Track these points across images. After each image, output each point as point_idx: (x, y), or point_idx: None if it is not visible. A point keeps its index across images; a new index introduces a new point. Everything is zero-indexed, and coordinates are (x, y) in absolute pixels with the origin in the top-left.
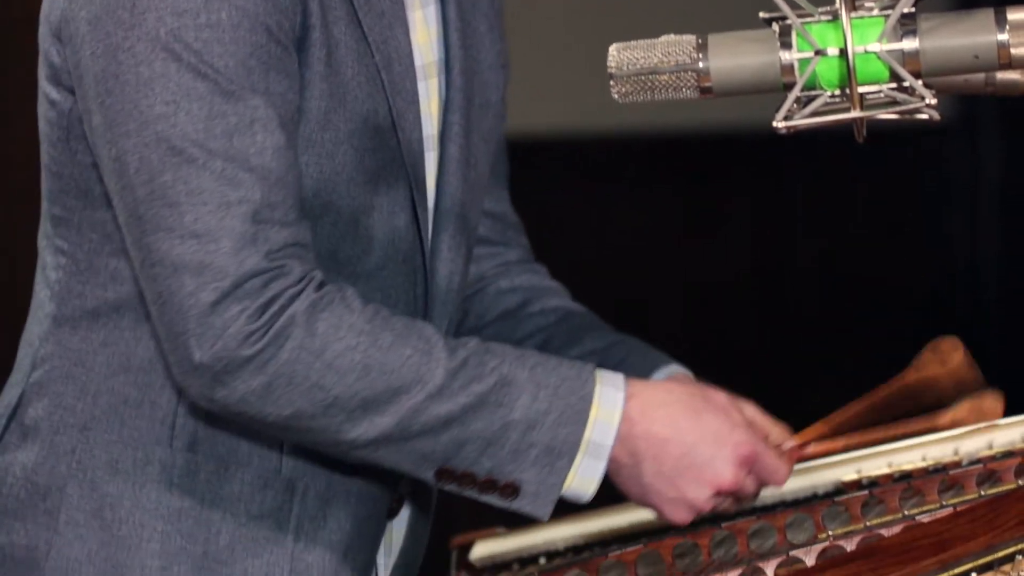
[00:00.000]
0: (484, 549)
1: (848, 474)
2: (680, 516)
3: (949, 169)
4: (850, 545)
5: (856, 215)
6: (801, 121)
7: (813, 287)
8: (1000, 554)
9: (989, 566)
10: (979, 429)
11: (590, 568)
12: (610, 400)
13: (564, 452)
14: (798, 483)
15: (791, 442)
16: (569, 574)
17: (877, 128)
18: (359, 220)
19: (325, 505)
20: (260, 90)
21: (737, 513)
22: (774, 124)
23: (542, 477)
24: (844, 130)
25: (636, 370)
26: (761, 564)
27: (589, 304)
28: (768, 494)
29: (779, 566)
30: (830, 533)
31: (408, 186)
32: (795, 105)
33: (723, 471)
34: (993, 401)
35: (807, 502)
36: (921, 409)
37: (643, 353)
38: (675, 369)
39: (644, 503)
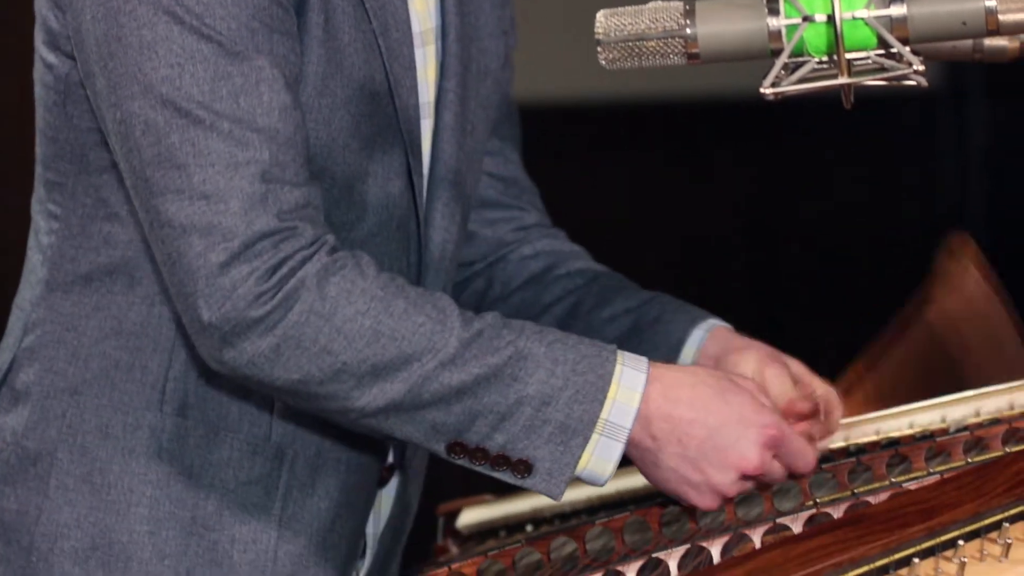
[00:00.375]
0: (471, 516)
1: (835, 441)
2: (705, 502)
3: (936, 136)
4: (837, 512)
5: (844, 182)
6: (788, 87)
7: (801, 254)
8: (987, 521)
9: (976, 533)
10: (966, 397)
11: (577, 536)
12: (631, 380)
13: (579, 430)
14: None
15: (835, 393)
16: (556, 542)
17: (864, 94)
18: (353, 186)
19: (314, 473)
20: (264, 51)
21: None
22: (761, 90)
23: (556, 455)
24: (831, 97)
25: (674, 325)
26: (748, 531)
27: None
28: None
29: (766, 533)
30: (817, 500)
31: (404, 152)
32: (782, 71)
33: (749, 454)
34: (960, 265)
35: None
36: (948, 359)
37: (678, 308)
38: (715, 322)
39: (666, 489)
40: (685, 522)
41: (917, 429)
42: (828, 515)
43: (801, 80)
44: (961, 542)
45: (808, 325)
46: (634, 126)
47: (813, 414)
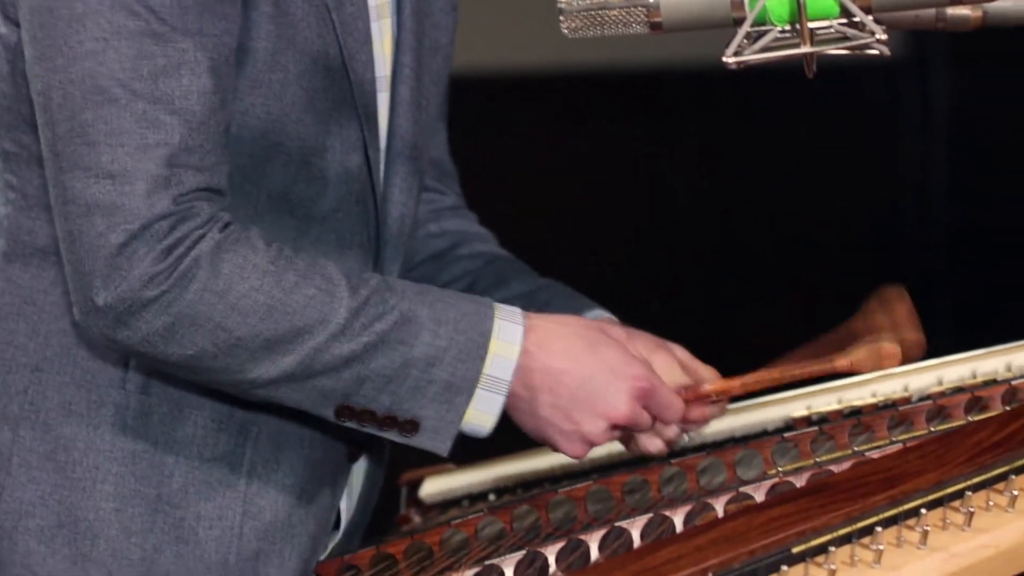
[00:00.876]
0: (434, 486)
1: (798, 410)
2: (575, 449)
3: (899, 105)
4: (800, 481)
5: (806, 151)
6: (751, 56)
7: (764, 223)
8: (949, 490)
9: (939, 502)
10: (928, 366)
11: (539, 504)
12: (508, 334)
13: (463, 388)
14: (747, 419)
15: (708, 385)
16: (518, 510)
17: (827, 63)
18: (311, 161)
19: (278, 449)
20: (193, 31)
21: (685, 449)
22: (724, 59)
23: (441, 413)
24: (794, 65)
25: (562, 313)
26: (711, 500)
27: (543, 242)
28: (718, 430)
29: (729, 502)
30: (780, 469)
31: (360, 127)
32: (745, 40)
33: (618, 403)
34: (891, 346)
35: (756, 438)
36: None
37: (568, 297)
38: (599, 314)
39: (540, 436)
40: (648, 491)
41: (880, 398)
42: (791, 484)
43: (764, 49)
44: (924, 511)
45: (772, 299)
46: (596, 97)
47: (701, 399)
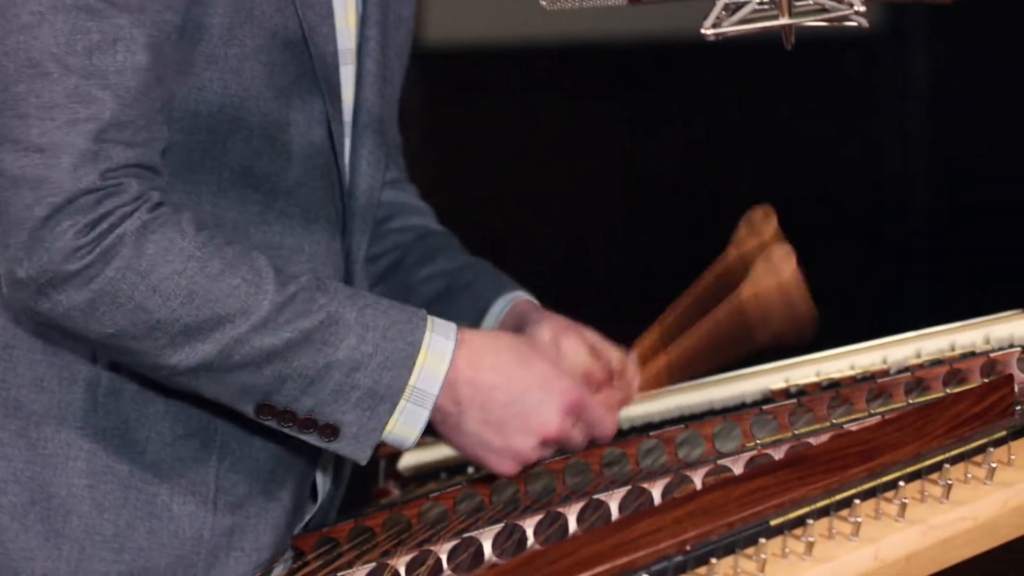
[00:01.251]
0: (412, 459)
1: (776, 383)
2: (505, 467)
3: (877, 77)
4: (778, 454)
5: (786, 123)
6: (730, 28)
7: (743, 195)
8: (928, 462)
9: (917, 475)
10: (907, 338)
11: (518, 477)
12: (439, 347)
13: (387, 397)
14: (726, 391)
15: (631, 361)
16: (497, 483)
17: (805, 35)
18: (275, 136)
19: (250, 425)
20: (132, 8)
21: (664, 422)
22: (702, 31)
23: (363, 420)
24: (773, 37)
25: (482, 292)
26: (689, 472)
27: (518, 213)
28: (696, 402)
29: (707, 475)
30: (758, 442)
31: (323, 100)
32: (723, 12)
33: (549, 419)
34: (781, 251)
35: (735, 410)
36: (749, 336)
37: (491, 277)
38: (519, 295)
39: (467, 453)
40: (626, 463)
41: (858, 370)
42: (769, 456)
43: (742, 21)
44: (902, 483)
45: None
46: (572, 70)
47: (609, 381)
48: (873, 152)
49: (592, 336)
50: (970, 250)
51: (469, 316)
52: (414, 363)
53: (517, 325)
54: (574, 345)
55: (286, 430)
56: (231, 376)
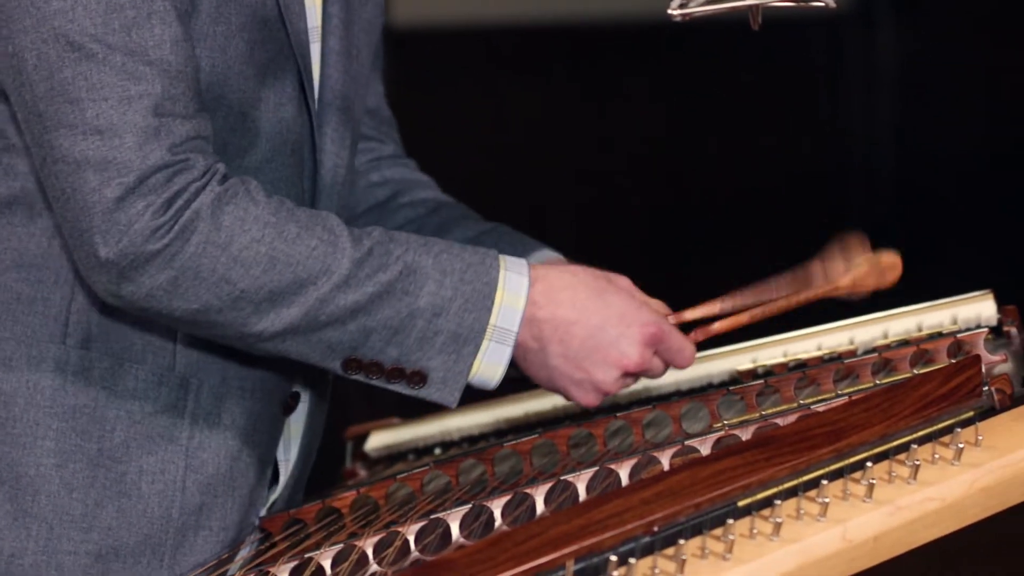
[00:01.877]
0: (379, 440)
1: (743, 363)
2: (588, 398)
3: (844, 57)
4: (745, 434)
5: (752, 105)
6: (696, 9)
7: (710, 174)
8: (895, 443)
9: (884, 455)
10: (874, 319)
11: (485, 458)
12: (515, 284)
13: (470, 338)
14: (693, 372)
15: (674, 317)
16: (464, 464)
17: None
18: (247, 113)
19: (219, 401)
20: None
21: (631, 403)
22: (669, 12)
23: (449, 364)
24: (739, 18)
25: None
26: (656, 453)
27: (485, 196)
28: (662, 383)
29: (674, 455)
30: (725, 422)
31: (296, 78)
32: None
33: (629, 351)
34: (890, 256)
35: (702, 391)
36: (809, 301)
37: (514, 239)
38: (547, 254)
39: (552, 387)
40: (593, 444)
41: (825, 351)
42: (736, 437)
43: (709, 2)
44: (869, 464)
45: (719, 251)
46: (541, 50)
47: (710, 335)
48: (840, 133)
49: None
50: (937, 231)
51: None
52: (492, 302)
53: None
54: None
55: (374, 382)
56: (317, 336)
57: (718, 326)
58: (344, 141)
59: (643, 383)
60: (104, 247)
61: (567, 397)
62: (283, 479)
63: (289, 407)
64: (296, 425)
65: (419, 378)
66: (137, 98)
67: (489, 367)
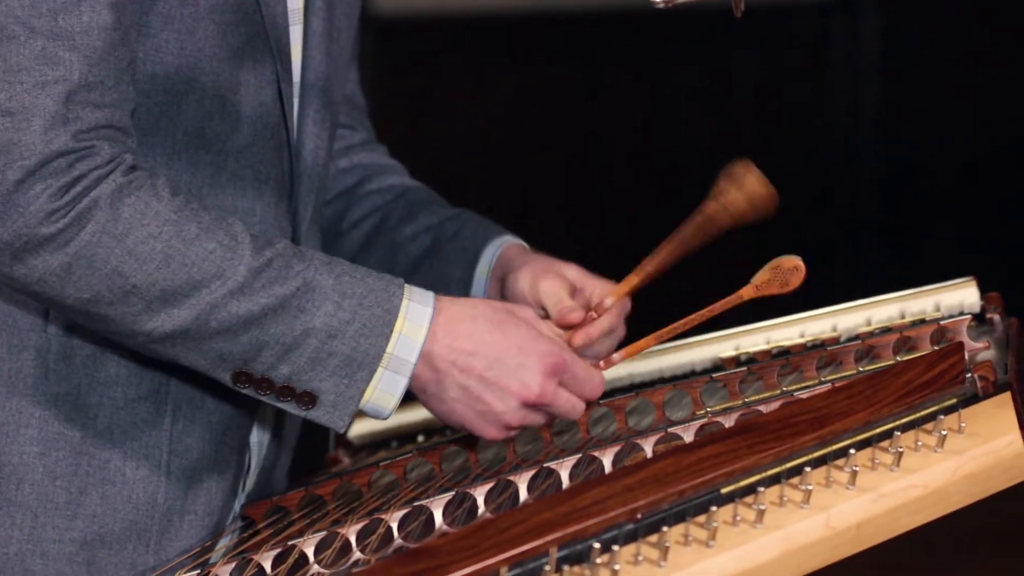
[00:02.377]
0: (362, 427)
1: (726, 350)
2: (490, 431)
3: (827, 45)
4: (728, 421)
5: (735, 91)
6: None
7: (694, 161)
8: (878, 430)
9: (868, 442)
10: (857, 306)
11: (468, 445)
12: (416, 315)
13: (364, 364)
14: (676, 359)
15: (611, 298)
16: (447, 452)
17: (757, 3)
18: (226, 97)
19: (201, 386)
20: None
21: (615, 390)
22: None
23: (340, 388)
24: (723, 5)
25: (470, 242)
26: (639, 441)
27: (470, 182)
28: (646, 370)
29: (657, 443)
30: (708, 409)
31: (273, 61)
32: None
33: (529, 381)
34: (790, 259)
35: (685, 378)
36: (721, 234)
37: (477, 225)
38: (507, 239)
39: (452, 421)
40: (576, 431)
41: (808, 338)
42: (719, 424)
43: None
44: (853, 451)
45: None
46: (525, 37)
47: (586, 319)
48: (823, 119)
49: (575, 273)
50: (921, 218)
51: (459, 266)
52: (391, 330)
53: (503, 273)
54: (551, 288)
55: (263, 398)
56: (208, 343)
57: (618, 355)
58: (324, 123)
59: (627, 369)
60: (0, 228)
61: (470, 431)
62: (255, 463)
63: None
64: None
65: (309, 399)
66: (52, 83)
67: (383, 396)
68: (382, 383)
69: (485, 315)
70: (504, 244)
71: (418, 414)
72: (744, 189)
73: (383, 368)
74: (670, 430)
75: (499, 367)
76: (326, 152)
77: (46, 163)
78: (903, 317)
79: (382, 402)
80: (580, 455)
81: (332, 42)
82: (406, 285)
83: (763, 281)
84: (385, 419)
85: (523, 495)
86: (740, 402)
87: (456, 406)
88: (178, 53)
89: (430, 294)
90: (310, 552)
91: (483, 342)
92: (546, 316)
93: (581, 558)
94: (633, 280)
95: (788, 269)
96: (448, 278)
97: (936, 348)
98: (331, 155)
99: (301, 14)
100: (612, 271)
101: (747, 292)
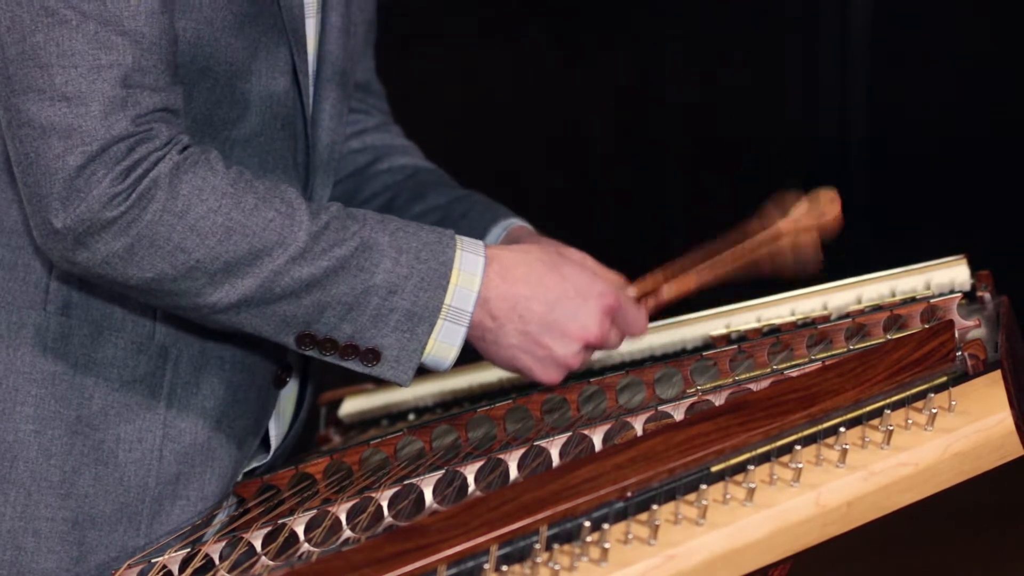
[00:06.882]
0: (353, 406)
1: (717, 328)
2: (550, 375)
3: (816, 21)
4: (719, 400)
5: (722, 67)
6: None
7: (684, 136)
8: (868, 408)
9: (857, 421)
10: (848, 284)
11: (459, 424)
12: (470, 265)
13: (424, 317)
14: (667, 337)
15: (632, 290)
16: (438, 430)
17: None
18: (235, 85)
19: (198, 372)
20: None
21: (605, 368)
22: None
23: (403, 342)
24: None
25: (477, 223)
26: (629, 419)
27: (457, 161)
28: (636, 349)
29: (648, 421)
30: (698, 388)
31: (288, 51)
32: None
33: (589, 323)
34: (827, 191)
35: (675, 357)
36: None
37: (484, 207)
38: (514, 221)
39: (511, 367)
40: (567, 409)
41: (799, 316)
42: (709, 402)
43: None
44: (843, 429)
45: (690, 217)
46: (511, 15)
47: (661, 306)
48: (812, 96)
49: (592, 263)
50: (911, 196)
51: None
52: (448, 281)
53: None
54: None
55: (328, 358)
56: (271, 309)
57: (667, 293)
58: (341, 116)
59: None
60: (63, 213)
61: (529, 376)
62: (273, 449)
63: (280, 380)
64: (287, 400)
65: (373, 356)
66: (107, 67)
67: (443, 347)
68: (442, 334)
69: (540, 259)
70: (511, 226)
71: (408, 392)
72: (822, 220)
73: (443, 319)
74: (660, 408)
75: (559, 310)
76: (342, 144)
77: (107, 148)
78: (894, 295)
79: (442, 353)
80: (570, 433)
81: (349, 36)
82: (457, 236)
83: (801, 212)
84: (445, 371)
85: (513, 473)
86: (730, 380)
87: (516, 352)
88: (195, 41)
89: (480, 243)
90: (300, 530)
91: (541, 285)
92: None
93: (571, 536)
94: (646, 282)
95: (825, 199)
96: None
97: (926, 326)
98: (344, 146)
99: (316, 7)
100: (596, 245)
101: (785, 225)
